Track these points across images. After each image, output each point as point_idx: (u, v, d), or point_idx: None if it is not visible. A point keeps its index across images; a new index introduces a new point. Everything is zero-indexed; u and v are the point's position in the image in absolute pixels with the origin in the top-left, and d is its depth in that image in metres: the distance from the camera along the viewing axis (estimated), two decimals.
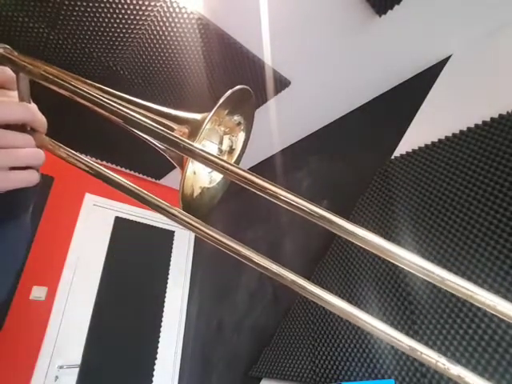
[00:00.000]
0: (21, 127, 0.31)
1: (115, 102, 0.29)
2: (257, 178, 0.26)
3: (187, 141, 0.26)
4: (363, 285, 1.57)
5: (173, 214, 0.30)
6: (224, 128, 0.38)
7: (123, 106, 0.32)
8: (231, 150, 0.39)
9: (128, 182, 0.31)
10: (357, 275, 1.62)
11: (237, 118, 0.37)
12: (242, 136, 0.39)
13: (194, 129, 0.32)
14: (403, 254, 0.23)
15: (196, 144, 0.26)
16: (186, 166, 0.32)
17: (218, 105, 0.32)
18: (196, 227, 0.29)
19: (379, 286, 1.51)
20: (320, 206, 0.26)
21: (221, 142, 0.38)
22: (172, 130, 0.34)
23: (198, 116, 0.34)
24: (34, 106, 0.33)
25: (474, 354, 1.14)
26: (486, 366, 1.11)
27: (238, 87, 0.34)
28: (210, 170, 0.36)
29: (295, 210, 0.26)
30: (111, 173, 0.32)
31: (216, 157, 0.25)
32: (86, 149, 2.51)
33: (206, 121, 0.31)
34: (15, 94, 0.32)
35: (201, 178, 0.36)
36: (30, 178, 0.32)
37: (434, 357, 0.22)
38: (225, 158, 0.38)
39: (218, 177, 0.38)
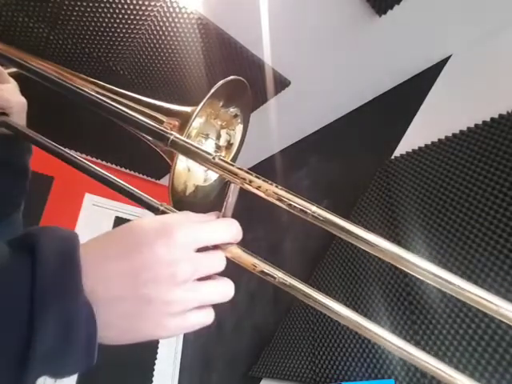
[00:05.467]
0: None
1: (98, 93, 0.29)
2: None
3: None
4: (363, 284, 1.57)
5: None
6: (220, 121, 0.37)
7: (104, 95, 0.32)
8: (229, 145, 0.38)
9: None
10: (356, 275, 1.62)
11: (233, 109, 0.36)
12: (239, 129, 0.38)
13: (185, 121, 0.32)
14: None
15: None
16: (175, 160, 0.32)
17: (209, 95, 0.32)
18: None
19: (379, 286, 1.51)
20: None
21: (218, 137, 0.37)
22: (161, 122, 0.34)
23: (188, 108, 0.33)
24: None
25: (474, 354, 1.14)
26: (486, 366, 1.10)
27: (229, 78, 0.33)
28: (205, 167, 0.36)
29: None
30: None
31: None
32: (87, 149, 2.51)
33: (196, 111, 0.31)
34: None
35: (194, 175, 0.36)
36: (208, 320, 0.25)
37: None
38: (222, 153, 0.37)
39: (213, 175, 0.37)
